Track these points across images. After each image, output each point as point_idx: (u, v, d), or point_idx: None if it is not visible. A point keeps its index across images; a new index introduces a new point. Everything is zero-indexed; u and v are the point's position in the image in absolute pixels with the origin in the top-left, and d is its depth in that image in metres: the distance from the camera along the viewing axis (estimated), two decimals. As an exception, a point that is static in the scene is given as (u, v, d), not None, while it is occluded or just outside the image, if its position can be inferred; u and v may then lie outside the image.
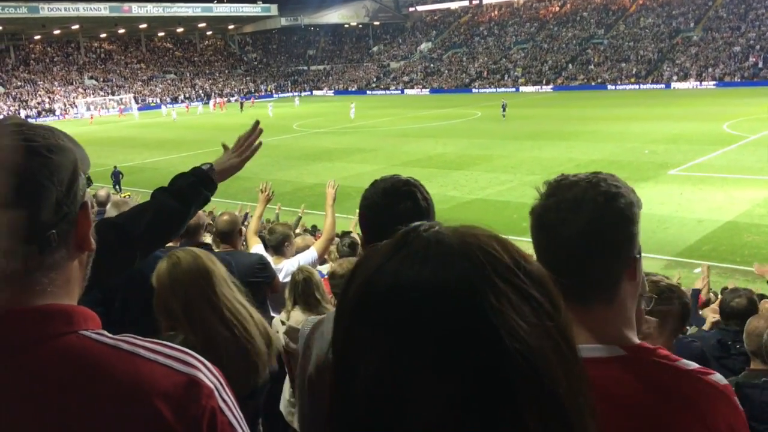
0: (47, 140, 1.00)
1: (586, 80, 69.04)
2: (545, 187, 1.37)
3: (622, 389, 1.19)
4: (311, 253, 5.01)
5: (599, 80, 68.06)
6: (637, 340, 1.30)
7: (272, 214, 17.67)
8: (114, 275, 1.98)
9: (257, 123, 2.27)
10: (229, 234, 4.66)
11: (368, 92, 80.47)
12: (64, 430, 0.93)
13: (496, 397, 0.63)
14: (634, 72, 67.18)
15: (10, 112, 65.21)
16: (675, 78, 63.11)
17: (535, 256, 1.32)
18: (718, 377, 1.24)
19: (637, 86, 63.61)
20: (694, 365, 1.26)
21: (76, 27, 73.70)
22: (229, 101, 72.67)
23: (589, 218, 1.26)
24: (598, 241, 1.26)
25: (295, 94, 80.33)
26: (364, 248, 1.76)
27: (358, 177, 20.93)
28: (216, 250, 4.43)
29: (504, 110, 41.64)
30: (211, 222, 7.89)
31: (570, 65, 73.16)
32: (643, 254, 1.36)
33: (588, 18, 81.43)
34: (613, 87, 65.08)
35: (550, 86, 69.45)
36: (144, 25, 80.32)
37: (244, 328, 2.50)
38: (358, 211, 1.84)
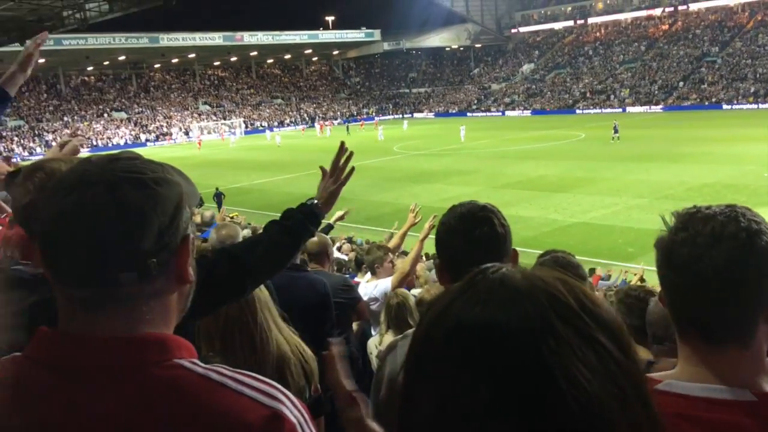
0: (156, 174, 1.05)
1: (699, 100, 65.90)
2: (675, 218, 1.28)
3: None
4: (385, 284, 4.97)
5: (714, 100, 64.79)
6: None
7: (378, 236, 17.92)
8: (221, 305, 2.07)
9: (342, 144, 2.35)
10: (318, 254, 4.77)
11: (468, 114, 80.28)
12: None
13: None
14: (752, 91, 63.50)
15: (131, 136, 69.99)
16: (798, 96, 59.17)
17: (658, 294, 1.27)
18: None
19: (755, 106, 60.08)
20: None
21: (192, 56, 78.32)
22: (332, 124, 74.45)
23: (728, 256, 1.16)
24: (737, 282, 1.17)
25: (404, 116, 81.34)
26: (438, 271, 1.77)
27: (457, 198, 20.57)
28: (308, 269, 4.58)
29: (616, 132, 40.08)
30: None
31: (681, 84, 70.14)
32: None
33: (701, 35, 77.93)
34: (729, 107, 61.79)
35: (660, 106, 66.79)
36: (254, 53, 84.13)
37: (281, 356, 2.47)
38: (435, 236, 1.84)
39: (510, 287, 0.69)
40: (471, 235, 1.65)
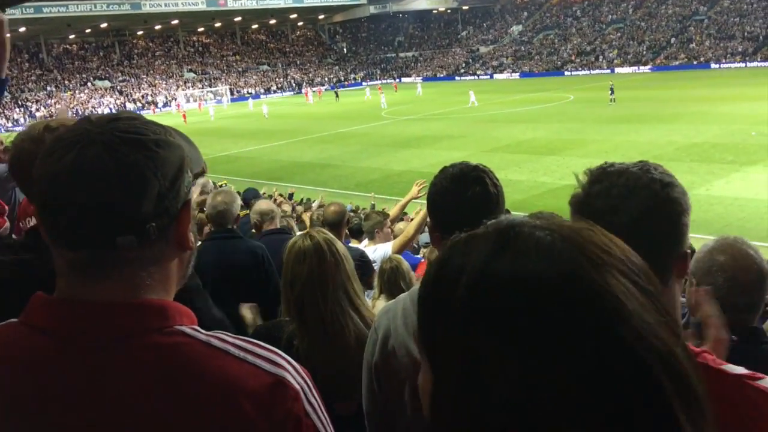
0: (157, 135, 1.03)
1: (687, 59, 65.67)
2: (588, 174, 1.31)
3: None
4: (385, 249, 4.97)
5: (702, 59, 64.59)
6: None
7: (366, 202, 17.91)
8: None
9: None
10: (338, 224, 4.73)
11: (457, 78, 79.76)
12: (153, 422, 0.94)
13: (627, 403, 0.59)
14: (740, 50, 63.31)
15: (116, 106, 69.08)
16: (787, 54, 59.09)
17: None
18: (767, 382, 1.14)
19: (743, 64, 59.98)
20: (741, 370, 1.16)
21: (175, 22, 76.99)
22: (320, 91, 73.54)
23: (645, 206, 1.19)
24: (652, 231, 1.18)
25: (417, 79, 79.00)
26: (431, 233, 1.75)
27: (447, 163, 20.79)
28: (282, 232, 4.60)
29: (612, 93, 39.03)
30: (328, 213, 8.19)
31: (669, 44, 69.79)
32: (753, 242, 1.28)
33: (689, -6, 77.38)
34: (717, 66, 61.67)
35: (648, 66, 66.55)
36: (239, 18, 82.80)
37: (342, 328, 2.40)
38: (426, 195, 1.82)
39: (551, 242, 0.65)
40: (463, 195, 1.63)
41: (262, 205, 5.10)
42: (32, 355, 0.99)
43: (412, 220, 6.63)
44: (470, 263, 0.66)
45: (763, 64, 58.81)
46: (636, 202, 1.20)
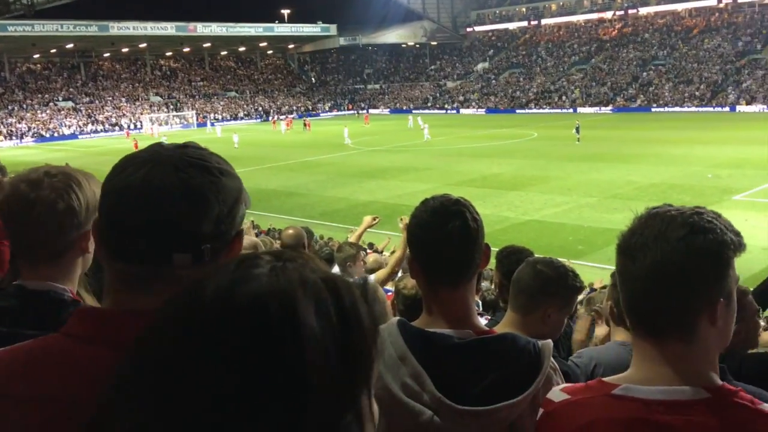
0: (220, 165, 1.10)
1: (646, 102, 67.66)
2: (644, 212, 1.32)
3: None
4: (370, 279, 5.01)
5: (660, 102, 66.61)
6: (719, 381, 1.24)
7: (331, 232, 17.87)
8: None
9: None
10: (294, 248, 4.73)
11: (424, 111, 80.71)
12: None
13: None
14: (697, 94, 65.50)
15: (78, 127, 68.04)
16: (741, 101, 61.22)
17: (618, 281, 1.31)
18: None
19: (700, 109, 61.98)
20: None
21: (143, 45, 76.56)
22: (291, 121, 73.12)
23: (668, 249, 1.20)
24: (674, 275, 1.20)
25: (412, 112, 78.33)
26: (410, 264, 1.77)
27: (413, 195, 20.96)
28: None
29: (578, 132, 39.47)
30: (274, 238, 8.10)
31: (630, 87, 71.89)
32: None
33: (650, 39, 79.97)
34: (676, 109, 63.58)
35: (610, 107, 68.32)
36: (208, 44, 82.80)
37: None
38: (407, 228, 1.85)
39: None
40: (443, 229, 1.65)
41: (245, 241, 5.03)
42: (86, 366, 1.01)
43: (379, 251, 6.66)
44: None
45: (719, 109, 60.87)
46: (661, 245, 1.21)
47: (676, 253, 1.19)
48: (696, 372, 1.23)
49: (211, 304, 0.67)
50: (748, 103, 60.22)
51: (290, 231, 5.00)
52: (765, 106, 58.52)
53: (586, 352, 3.01)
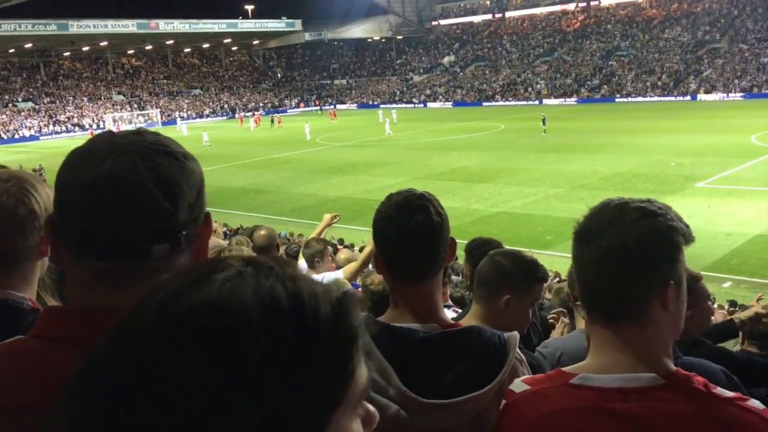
0: (181, 149, 1.06)
1: (610, 92, 68.61)
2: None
3: (665, 421, 1.19)
4: (337, 275, 4.97)
5: (624, 92, 67.62)
6: (673, 367, 1.27)
7: (301, 228, 17.79)
8: None
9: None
10: (267, 248, 4.67)
11: (391, 105, 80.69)
12: None
13: None
14: (659, 84, 66.63)
15: (40, 127, 66.60)
16: (701, 90, 62.46)
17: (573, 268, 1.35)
18: (755, 403, 1.23)
19: (662, 98, 63.08)
20: (730, 393, 1.24)
21: (104, 43, 75.19)
22: (259, 117, 72.74)
23: (622, 231, 1.24)
24: (625, 255, 1.24)
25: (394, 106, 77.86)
26: (375, 259, 1.76)
27: (382, 190, 20.87)
28: None
29: (544, 123, 40.25)
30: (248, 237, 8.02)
31: (594, 78, 72.81)
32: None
33: (612, 30, 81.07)
34: (639, 99, 64.60)
35: (574, 99, 69.13)
36: (171, 42, 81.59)
37: None
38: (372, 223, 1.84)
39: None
40: (406, 223, 1.64)
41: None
42: (63, 369, 0.92)
43: (348, 247, 6.62)
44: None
45: (680, 98, 62.00)
46: (615, 229, 1.25)
47: (629, 235, 1.23)
48: (650, 357, 1.25)
49: (152, 324, 0.61)
50: (708, 92, 61.45)
51: (263, 231, 4.92)
52: (725, 95, 59.80)
53: (552, 342, 3.10)
